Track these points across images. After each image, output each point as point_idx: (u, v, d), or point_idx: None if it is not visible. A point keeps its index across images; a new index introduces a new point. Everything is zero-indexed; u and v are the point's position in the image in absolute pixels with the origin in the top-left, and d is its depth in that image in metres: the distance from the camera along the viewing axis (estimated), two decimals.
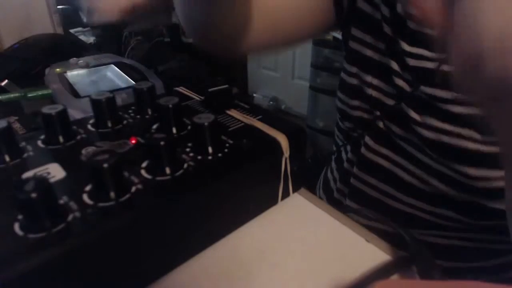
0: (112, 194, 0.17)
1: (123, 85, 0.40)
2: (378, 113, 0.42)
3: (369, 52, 0.43)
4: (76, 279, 0.16)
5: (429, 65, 0.37)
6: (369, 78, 0.43)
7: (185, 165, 0.20)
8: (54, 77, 0.41)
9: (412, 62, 0.38)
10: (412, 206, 0.39)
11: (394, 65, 0.40)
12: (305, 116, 1.67)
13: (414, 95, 0.38)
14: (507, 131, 0.16)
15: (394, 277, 0.21)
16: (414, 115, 0.38)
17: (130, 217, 0.17)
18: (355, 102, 0.45)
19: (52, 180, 0.19)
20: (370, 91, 0.43)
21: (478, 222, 0.37)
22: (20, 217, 0.16)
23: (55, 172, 0.20)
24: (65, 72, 0.43)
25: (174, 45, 2.40)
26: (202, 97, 0.29)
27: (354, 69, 0.44)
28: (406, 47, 0.38)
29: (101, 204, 0.17)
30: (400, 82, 0.39)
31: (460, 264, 0.41)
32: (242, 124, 0.25)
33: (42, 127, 0.23)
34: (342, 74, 0.46)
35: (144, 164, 0.20)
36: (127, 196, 0.18)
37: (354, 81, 0.44)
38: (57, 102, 0.39)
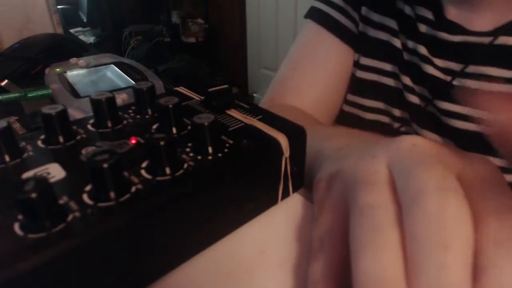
0: (112, 194, 0.17)
1: (123, 85, 0.40)
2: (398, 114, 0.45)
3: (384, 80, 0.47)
4: (76, 279, 0.16)
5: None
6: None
7: (185, 165, 0.20)
8: (54, 77, 0.41)
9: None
10: None
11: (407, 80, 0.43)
12: None
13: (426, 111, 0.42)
14: None
15: None
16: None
17: (130, 217, 0.17)
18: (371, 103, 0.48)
19: (52, 180, 0.19)
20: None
21: None
22: (20, 217, 0.16)
23: (55, 172, 0.20)
24: (65, 72, 0.43)
25: (174, 45, 2.41)
26: (202, 97, 0.29)
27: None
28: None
29: (101, 204, 0.17)
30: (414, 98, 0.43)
31: None
32: (242, 124, 0.25)
33: (42, 127, 0.23)
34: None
35: (144, 164, 0.20)
36: (127, 196, 0.18)
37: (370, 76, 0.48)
38: (57, 102, 0.39)
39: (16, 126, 0.39)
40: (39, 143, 0.22)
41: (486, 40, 0.38)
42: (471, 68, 0.39)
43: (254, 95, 2.36)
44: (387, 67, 0.46)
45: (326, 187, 0.22)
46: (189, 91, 0.30)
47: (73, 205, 0.17)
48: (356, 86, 0.49)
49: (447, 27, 0.41)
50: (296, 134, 0.25)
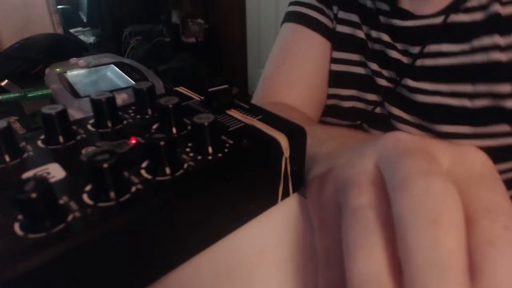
0: (112, 194, 0.17)
1: (123, 85, 0.40)
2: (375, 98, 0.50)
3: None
4: (76, 279, 0.16)
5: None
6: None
7: (185, 165, 0.20)
8: (54, 77, 0.41)
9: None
10: None
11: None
12: None
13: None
14: None
15: None
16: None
17: (130, 217, 0.17)
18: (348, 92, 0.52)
19: (52, 180, 0.19)
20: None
21: None
22: (20, 217, 0.16)
23: (55, 172, 0.20)
24: (65, 72, 0.43)
25: (174, 45, 2.41)
26: (202, 97, 0.29)
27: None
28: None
29: (101, 204, 0.17)
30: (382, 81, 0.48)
31: None
32: (242, 124, 0.25)
33: (42, 127, 0.23)
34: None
35: (144, 164, 0.20)
36: (127, 196, 0.18)
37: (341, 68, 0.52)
38: (57, 102, 0.39)
39: (16, 126, 0.39)
40: (39, 143, 0.22)
41: (438, 20, 0.42)
42: (428, 48, 0.43)
43: None
44: (355, 57, 0.51)
45: (318, 188, 0.22)
46: (189, 91, 0.30)
47: (73, 205, 0.17)
48: (332, 78, 0.53)
49: (399, 14, 0.46)
50: (296, 134, 0.25)
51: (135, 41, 2.30)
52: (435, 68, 0.43)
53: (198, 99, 0.29)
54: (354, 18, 0.51)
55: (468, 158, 0.17)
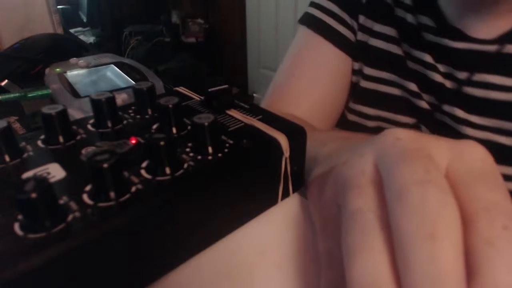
0: (112, 194, 0.17)
1: (123, 85, 0.40)
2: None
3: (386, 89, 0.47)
4: (76, 279, 0.16)
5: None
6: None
7: (185, 165, 0.20)
8: (54, 77, 0.41)
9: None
10: None
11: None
12: None
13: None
14: None
15: None
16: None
17: (130, 217, 0.17)
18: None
19: (52, 180, 0.19)
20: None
21: None
22: (20, 217, 0.16)
23: (55, 172, 0.20)
24: (65, 72, 0.43)
25: (174, 45, 2.41)
26: (202, 97, 0.29)
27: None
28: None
29: (101, 204, 0.17)
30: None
31: None
32: (242, 124, 0.25)
33: (42, 127, 0.23)
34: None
35: (144, 164, 0.20)
36: (127, 196, 0.18)
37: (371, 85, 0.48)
38: (57, 102, 0.39)
39: (16, 126, 0.39)
40: (39, 143, 0.22)
41: (492, 48, 0.38)
42: (477, 77, 0.39)
43: (254, 95, 2.36)
44: (389, 76, 0.46)
45: (319, 188, 0.22)
46: (189, 91, 0.30)
47: (73, 205, 0.17)
48: (359, 95, 0.50)
49: (449, 33, 0.41)
50: (296, 134, 0.25)
51: (135, 41, 2.30)
52: (487, 100, 0.38)
53: (198, 99, 0.29)
54: (392, 32, 0.46)
55: (468, 154, 0.17)
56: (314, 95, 0.50)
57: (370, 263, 0.15)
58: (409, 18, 0.44)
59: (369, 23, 0.48)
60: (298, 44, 0.53)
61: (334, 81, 0.50)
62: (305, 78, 0.50)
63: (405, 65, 0.45)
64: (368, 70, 0.48)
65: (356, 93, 0.50)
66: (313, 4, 0.52)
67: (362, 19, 0.48)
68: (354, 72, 0.50)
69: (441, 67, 0.42)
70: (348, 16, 0.49)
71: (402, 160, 0.16)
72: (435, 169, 0.16)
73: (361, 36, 0.48)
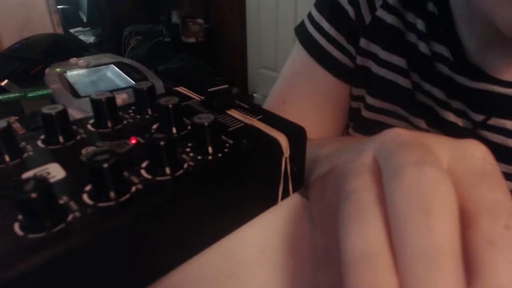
0: (112, 194, 0.17)
1: (123, 85, 0.40)
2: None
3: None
4: (76, 279, 0.16)
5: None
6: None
7: (185, 165, 0.20)
8: (54, 77, 0.41)
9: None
10: None
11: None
12: None
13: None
14: None
15: None
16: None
17: (130, 217, 0.17)
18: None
19: (52, 180, 0.19)
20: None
21: None
22: (20, 217, 0.16)
23: (55, 172, 0.20)
24: (65, 72, 0.43)
25: (174, 45, 2.41)
26: (202, 97, 0.29)
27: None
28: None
29: (101, 204, 0.17)
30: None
31: None
32: (242, 124, 0.25)
33: (42, 127, 0.22)
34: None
35: (144, 164, 0.20)
36: (127, 196, 0.18)
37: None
38: (57, 102, 0.39)
39: (16, 126, 0.39)
40: (39, 143, 0.22)
41: (510, 91, 0.34)
42: (495, 121, 0.35)
43: (254, 95, 2.36)
44: (394, 108, 0.43)
45: (320, 188, 0.22)
46: (189, 91, 0.30)
47: (73, 205, 0.17)
48: (360, 124, 0.47)
49: (467, 71, 0.36)
50: (296, 134, 0.25)
51: (135, 41, 2.30)
52: (504, 148, 0.36)
53: (198, 99, 0.29)
54: (400, 62, 0.41)
55: (469, 153, 0.17)
56: (307, 123, 0.47)
57: (365, 234, 0.15)
58: (422, 47, 0.39)
59: (373, 47, 0.43)
60: (292, 65, 0.50)
61: (328, 109, 0.48)
62: (297, 105, 0.48)
63: (413, 99, 0.41)
64: (370, 100, 0.45)
65: (357, 122, 0.48)
66: (310, 18, 0.48)
67: (363, 42, 0.43)
68: (354, 97, 0.47)
69: (454, 104, 0.38)
70: (345, 40, 0.45)
71: (401, 147, 0.16)
72: (432, 154, 0.16)
73: (361, 61, 0.44)
